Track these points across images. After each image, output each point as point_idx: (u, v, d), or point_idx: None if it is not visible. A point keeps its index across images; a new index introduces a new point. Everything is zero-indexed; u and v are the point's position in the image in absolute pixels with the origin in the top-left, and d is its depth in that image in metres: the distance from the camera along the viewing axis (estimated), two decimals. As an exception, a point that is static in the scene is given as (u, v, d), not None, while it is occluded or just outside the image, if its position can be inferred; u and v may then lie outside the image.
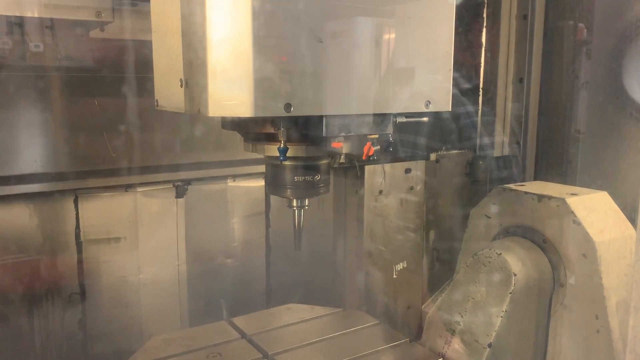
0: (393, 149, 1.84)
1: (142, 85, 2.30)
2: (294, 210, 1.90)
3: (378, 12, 1.60)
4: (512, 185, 2.37)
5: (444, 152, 2.77)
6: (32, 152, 2.34)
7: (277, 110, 1.45)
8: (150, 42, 1.75)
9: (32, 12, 1.91)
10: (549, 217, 2.16)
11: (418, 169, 2.69)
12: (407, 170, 2.68)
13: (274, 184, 1.86)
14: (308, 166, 1.79)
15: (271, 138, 1.70)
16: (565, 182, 2.60)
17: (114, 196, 2.53)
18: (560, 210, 2.12)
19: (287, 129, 1.60)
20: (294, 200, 1.87)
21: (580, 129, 2.71)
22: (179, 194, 2.68)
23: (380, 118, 1.67)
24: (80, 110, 2.41)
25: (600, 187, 2.33)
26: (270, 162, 1.84)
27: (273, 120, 1.63)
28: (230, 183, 2.81)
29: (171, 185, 2.66)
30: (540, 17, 2.79)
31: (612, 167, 2.55)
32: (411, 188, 2.71)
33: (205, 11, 1.40)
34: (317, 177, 1.81)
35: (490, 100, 2.82)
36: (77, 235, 2.48)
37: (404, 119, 1.73)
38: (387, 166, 2.63)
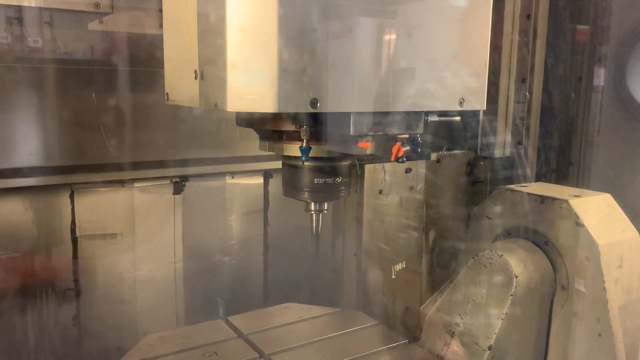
0: (421, 150, 1.72)
1: (143, 79, 2.27)
2: (312, 214, 1.77)
3: (413, 3, 1.49)
4: (514, 186, 2.35)
5: (445, 152, 2.75)
6: (27, 146, 2.31)
7: (302, 105, 1.32)
8: (151, 34, 1.72)
9: (29, 1, 1.88)
10: (552, 219, 2.13)
11: (419, 168, 2.67)
12: (408, 170, 2.65)
13: (291, 186, 1.71)
14: (330, 167, 1.65)
15: (291, 136, 1.56)
16: (567, 184, 2.58)
17: (110, 191, 2.50)
18: (564, 212, 2.09)
19: (310, 127, 1.46)
20: (312, 203, 1.74)
21: (584, 131, 2.69)
22: (177, 190, 2.65)
23: (412, 116, 1.55)
24: (77, 104, 2.38)
25: (603, 189, 2.30)
26: (288, 162, 1.69)
27: (296, 117, 1.48)
28: (229, 180, 2.78)
29: (168, 181, 2.63)
30: (544, 16, 2.76)
31: (615, 168, 2.53)
32: (411, 188, 2.68)
33: (224, -6, 1.26)
34: (339, 180, 1.67)
35: (492, 100, 2.80)
36: (73, 231, 2.45)
37: (436, 118, 1.61)
38: (388, 165, 2.60)
